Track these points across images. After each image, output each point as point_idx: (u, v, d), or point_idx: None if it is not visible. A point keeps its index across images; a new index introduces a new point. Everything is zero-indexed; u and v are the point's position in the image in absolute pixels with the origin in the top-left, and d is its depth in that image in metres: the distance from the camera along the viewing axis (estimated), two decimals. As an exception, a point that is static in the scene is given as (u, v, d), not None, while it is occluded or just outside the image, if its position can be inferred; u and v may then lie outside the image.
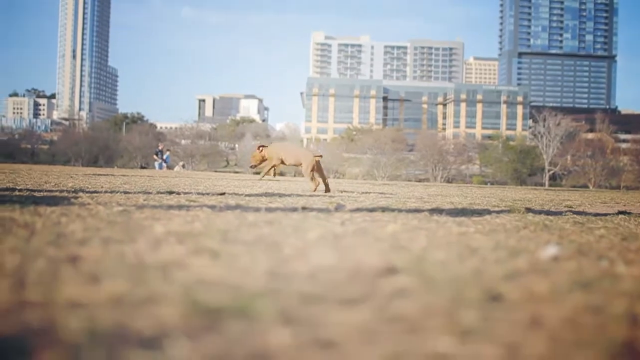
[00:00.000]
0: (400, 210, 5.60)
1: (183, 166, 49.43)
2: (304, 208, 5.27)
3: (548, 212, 6.72)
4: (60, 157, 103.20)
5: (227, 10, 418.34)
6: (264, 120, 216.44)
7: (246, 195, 7.13)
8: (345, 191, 11.16)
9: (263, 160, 10.80)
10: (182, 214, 3.85)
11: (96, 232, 2.63)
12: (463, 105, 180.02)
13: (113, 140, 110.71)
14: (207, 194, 7.03)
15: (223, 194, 7.36)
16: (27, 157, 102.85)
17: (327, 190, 10.19)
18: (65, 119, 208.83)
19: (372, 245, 2.93)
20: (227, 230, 3.12)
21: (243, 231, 3.16)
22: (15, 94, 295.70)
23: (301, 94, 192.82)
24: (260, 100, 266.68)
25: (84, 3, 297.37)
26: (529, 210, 6.84)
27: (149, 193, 6.49)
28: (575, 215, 6.23)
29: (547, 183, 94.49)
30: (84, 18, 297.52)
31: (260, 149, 10.88)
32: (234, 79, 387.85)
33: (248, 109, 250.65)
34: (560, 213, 6.64)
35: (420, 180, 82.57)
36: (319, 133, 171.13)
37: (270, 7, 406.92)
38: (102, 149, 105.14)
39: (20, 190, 5.74)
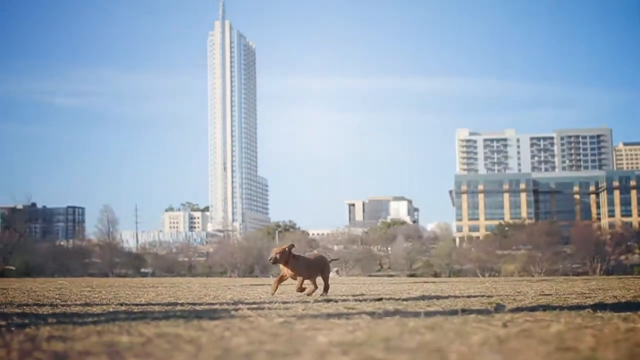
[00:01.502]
0: (562, 308, 5.43)
1: (337, 272, 49.65)
2: (463, 310, 5.18)
3: None
4: (217, 269, 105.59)
5: (369, 112, 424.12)
6: (414, 222, 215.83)
7: (403, 300, 7.08)
8: (500, 293, 10.89)
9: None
10: (343, 323, 3.85)
11: (260, 346, 2.66)
12: (616, 193, 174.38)
13: (267, 249, 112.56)
14: (365, 300, 7.02)
15: (380, 299, 7.33)
16: (185, 270, 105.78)
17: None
18: (220, 231, 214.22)
19: (538, 347, 2.84)
20: (389, 338, 3.10)
21: (405, 338, 3.13)
22: (171, 209, 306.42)
23: (450, 192, 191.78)
24: (410, 202, 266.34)
25: (232, 118, 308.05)
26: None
27: (307, 302, 6.53)
28: None
29: None
30: (232, 132, 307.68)
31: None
32: (381, 181, 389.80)
33: (398, 210, 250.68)
34: None
35: (578, 274, 79.92)
36: (471, 231, 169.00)
37: (411, 106, 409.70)
38: (256, 258, 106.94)
39: (182, 304, 5.89)
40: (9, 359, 2.08)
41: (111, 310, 4.85)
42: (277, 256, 8.96)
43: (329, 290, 9.69)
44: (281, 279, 9.36)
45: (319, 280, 9.56)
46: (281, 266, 9.10)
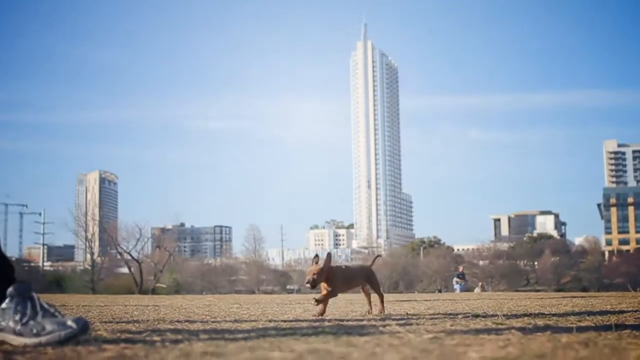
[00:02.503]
0: None
1: (482, 287, 49.07)
2: (617, 326, 4.99)
3: None
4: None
5: (512, 127, 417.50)
6: (561, 236, 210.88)
7: (553, 315, 6.90)
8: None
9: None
10: (493, 339, 3.78)
11: (412, 362, 2.63)
12: None
13: (412, 265, 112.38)
14: (513, 315, 6.88)
15: (529, 315, 7.17)
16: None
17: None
18: (365, 248, 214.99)
19: None
20: (542, 354, 3.02)
21: (559, 354, 3.04)
22: (316, 227, 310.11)
23: (598, 205, 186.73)
24: (557, 215, 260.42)
25: (375, 136, 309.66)
26: None
27: (454, 318, 6.45)
28: None
29: None
30: (375, 150, 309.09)
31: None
32: (527, 195, 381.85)
33: (544, 224, 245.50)
34: None
35: None
36: (621, 244, 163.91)
37: (556, 119, 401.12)
38: (401, 274, 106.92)
39: (329, 320, 5.91)
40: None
41: (260, 326, 4.92)
42: (314, 277, 7.04)
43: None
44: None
45: (374, 299, 7.95)
46: (322, 285, 7.30)
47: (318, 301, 7.06)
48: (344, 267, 7.88)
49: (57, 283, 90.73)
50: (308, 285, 7.02)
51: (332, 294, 7.21)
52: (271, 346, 3.08)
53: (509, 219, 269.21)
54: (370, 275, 7.88)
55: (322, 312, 7.09)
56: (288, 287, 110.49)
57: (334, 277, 7.21)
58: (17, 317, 3.15)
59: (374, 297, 7.92)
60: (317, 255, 7.21)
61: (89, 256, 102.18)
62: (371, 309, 7.76)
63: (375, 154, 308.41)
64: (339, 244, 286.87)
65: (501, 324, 5.25)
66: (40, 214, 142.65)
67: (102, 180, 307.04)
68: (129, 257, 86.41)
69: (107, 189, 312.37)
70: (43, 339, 3.05)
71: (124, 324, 5.38)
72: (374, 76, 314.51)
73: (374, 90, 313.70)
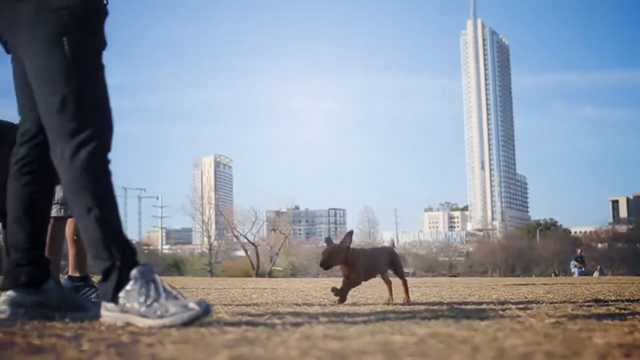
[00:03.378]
0: None
1: (601, 271, 47.84)
2: None
3: None
4: (477, 268, 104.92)
5: (629, 105, 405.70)
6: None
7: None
8: None
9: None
10: (617, 324, 3.66)
11: (537, 347, 2.57)
12: None
13: (528, 248, 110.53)
14: (636, 301, 6.67)
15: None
16: (446, 269, 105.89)
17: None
18: (479, 230, 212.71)
19: None
20: (672, 341, 2.90)
21: (691, 341, 2.91)
22: (430, 209, 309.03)
23: None
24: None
25: (488, 116, 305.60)
26: None
27: (574, 302, 6.30)
28: None
29: None
30: (488, 130, 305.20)
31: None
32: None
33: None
34: None
35: None
36: None
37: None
38: (517, 257, 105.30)
39: (447, 304, 5.86)
40: (288, 356, 2.13)
41: (379, 310, 4.90)
42: (328, 257, 6.02)
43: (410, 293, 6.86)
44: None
45: (396, 284, 6.74)
46: (341, 267, 6.18)
47: (337, 291, 6.02)
48: (364, 249, 6.96)
49: (176, 266, 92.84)
50: (322, 266, 6.03)
51: (355, 281, 6.14)
52: (392, 330, 3.06)
53: (628, 200, 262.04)
54: (394, 258, 6.84)
55: (342, 302, 6.01)
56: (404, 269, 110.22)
57: (356, 261, 6.07)
58: (142, 299, 3.21)
59: (396, 283, 6.81)
60: (328, 238, 6.29)
61: (206, 239, 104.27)
62: (392, 298, 6.52)
63: (489, 134, 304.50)
64: (454, 227, 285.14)
65: (624, 309, 5.10)
66: (157, 198, 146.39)
67: (217, 164, 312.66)
68: (245, 240, 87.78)
69: (222, 173, 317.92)
70: (167, 320, 3.11)
71: (243, 306, 5.46)
72: (484, 55, 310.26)
73: (485, 69, 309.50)
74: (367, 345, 2.42)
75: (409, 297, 6.57)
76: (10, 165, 3.78)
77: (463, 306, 5.47)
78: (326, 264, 5.98)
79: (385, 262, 6.61)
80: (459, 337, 2.80)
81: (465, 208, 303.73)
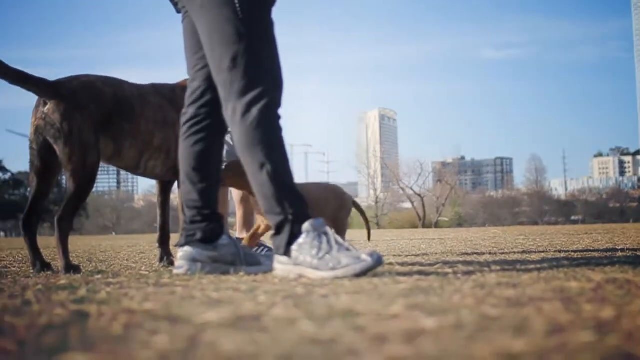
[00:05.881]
0: None
1: None
2: None
3: None
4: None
5: None
6: None
7: None
8: None
9: None
10: None
11: None
12: None
13: None
14: None
15: None
16: (616, 216, 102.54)
17: None
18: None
19: None
20: None
21: None
22: (600, 154, 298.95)
23: None
24: None
25: None
26: None
27: None
28: None
29: None
30: None
31: None
32: None
33: None
34: None
35: None
36: None
37: None
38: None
39: (622, 250, 5.68)
40: (464, 304, 2.12)
41: (550, 257, 4.81)
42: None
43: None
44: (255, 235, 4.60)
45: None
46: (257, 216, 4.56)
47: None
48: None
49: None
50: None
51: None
52: (566, 276, 3.00)
53: None
54: (340, 204, 4.69)
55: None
56: (572, 217, 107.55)
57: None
58: (314, 252, 3.26)
59: None
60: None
61: (372, 192, 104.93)
62: None
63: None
64: (625, 172, 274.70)
65: None
66: (324, 154, 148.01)
67: (382, 117, 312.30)
68: (411, 192, 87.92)
69: (387, 126, 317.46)
70: (340, 272, 3.15)
71: (413, 256, 5.47)
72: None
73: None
74: (543, 292, 2.39)
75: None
76: (179, 126, 3.91)
77: (639, 252, 5.29)
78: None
79: (329, 208, 4.52)
80: (638, 282, 2.72)
81: (637, 152, 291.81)
